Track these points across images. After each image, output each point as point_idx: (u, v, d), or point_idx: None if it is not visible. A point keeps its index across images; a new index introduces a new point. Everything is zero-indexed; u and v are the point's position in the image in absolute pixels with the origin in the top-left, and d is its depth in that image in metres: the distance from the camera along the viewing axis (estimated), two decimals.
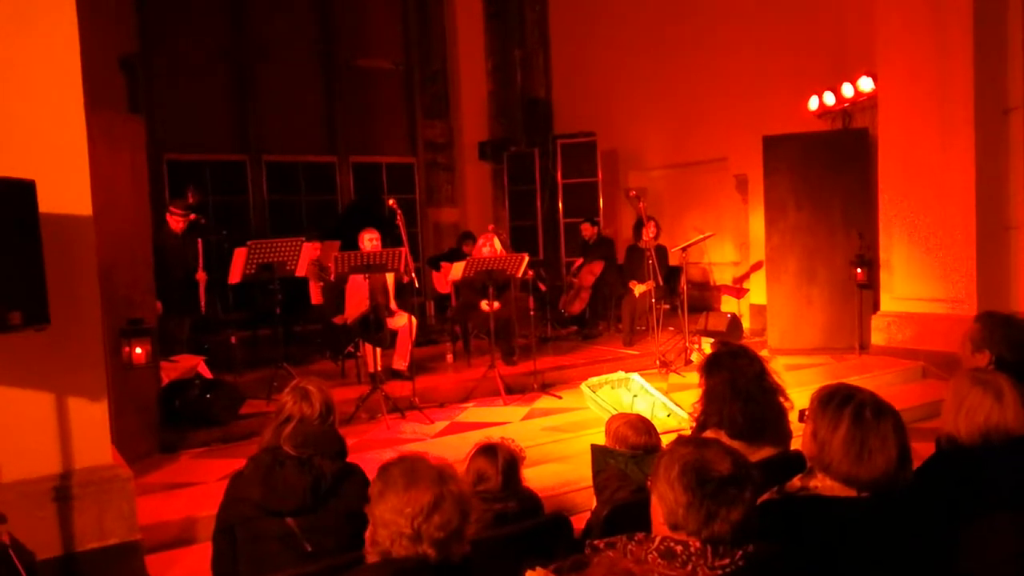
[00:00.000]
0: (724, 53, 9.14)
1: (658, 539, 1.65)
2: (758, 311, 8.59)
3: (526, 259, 6.26)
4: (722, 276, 9.90)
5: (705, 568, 1.58)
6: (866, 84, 7.41)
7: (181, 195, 7.77)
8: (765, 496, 2.12)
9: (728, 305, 9.42)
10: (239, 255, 6.06)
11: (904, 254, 7.07)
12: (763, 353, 3.37)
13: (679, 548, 1.61)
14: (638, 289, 7.81)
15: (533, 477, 4.78)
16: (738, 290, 9.24)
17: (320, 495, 2.35)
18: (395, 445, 5.08)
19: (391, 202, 6.07)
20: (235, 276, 6.08)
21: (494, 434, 5.12)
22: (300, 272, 6.36)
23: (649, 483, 1.74)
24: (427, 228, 11.23)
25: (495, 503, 2.50)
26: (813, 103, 8.02)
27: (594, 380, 5.56)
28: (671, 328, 8.07)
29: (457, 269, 6.34)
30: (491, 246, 6.98)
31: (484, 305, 6.67)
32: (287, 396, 2.60)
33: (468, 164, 11.31)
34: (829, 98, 7.85)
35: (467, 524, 1.76)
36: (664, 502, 1.66)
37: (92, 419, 3.44)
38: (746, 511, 1.61)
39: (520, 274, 6.37)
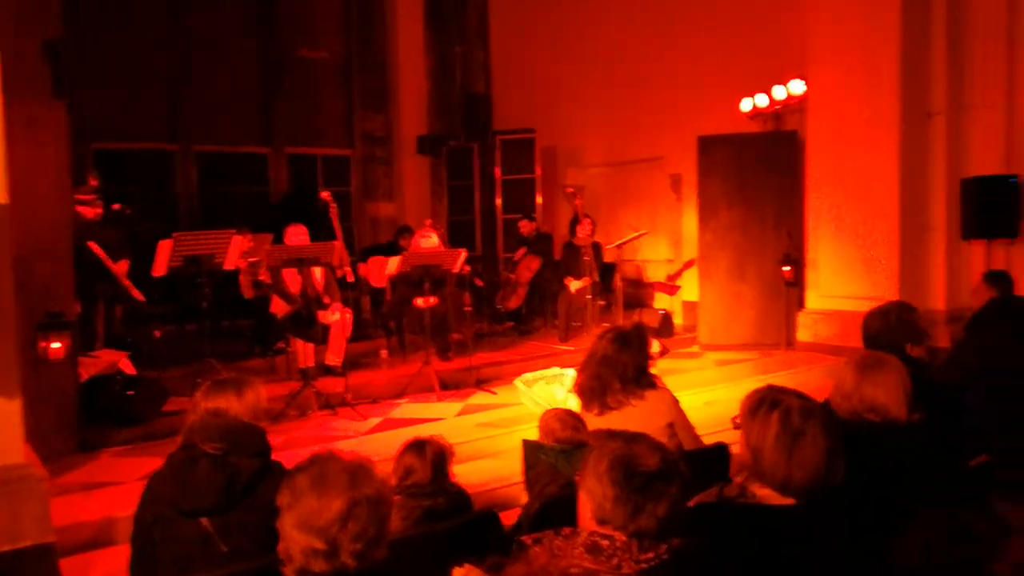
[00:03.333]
0: (662, 54, 9.26)
1: (585, 533, 1.64)
2: (690, 308, 8.73)
3: (463, 254, 6.22)
4: (656, 273, 10.04)
5: (630, 562, 1.58)
6: (797, 87, 7.60)
7: (82, 180, 7.44)
8: (703, 497, 2.14)
9: (661, 302, 9.55)
10: (163, 247, 5.86)
11: (830, 253, 7.27)
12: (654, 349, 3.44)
13: (605, 542, 1.60)
14: (574, 285, 7.85)
15: (466, 473, 4.77)
16: (671, 287, 9.38)
17: (235, 494, 2.26)
18: (325, 443, 4.99)
19: (324, 195, 5.96)
20: (159, 268, 5.88)
21: (427, 430, 5.14)
22: (229, 266, 6.17)
23: (578, 478, 1.73)
24: (364, 222, 11.07)
25: (423, 499, 2.46)
26: (746, 105, 8.19)
27: (528, 376, 5.57)
28: (606, 324, 8.13)
29: (393, 263, 6.27)
30: (428, 241, 6.92)
31: (420, 300, 6.61)
32: (206, 390, 2.50)
33: (406, 158, 11.20)
34: (762, 100, 8.02)
35: (386, 527, 1.70)
36: (592, 496, 1.65)
37: (3, 416, 3.28)
38: (672, 506, 1.62)
39: (457, 269, 6.33)
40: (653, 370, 3.50)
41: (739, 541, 1.92)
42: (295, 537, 1.64)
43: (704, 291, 7.97)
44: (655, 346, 7.42)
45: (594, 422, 3.09)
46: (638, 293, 9.91)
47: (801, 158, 7.50)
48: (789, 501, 1.93)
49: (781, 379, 6.14)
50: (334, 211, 5.84)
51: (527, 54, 11.03)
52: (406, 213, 10.89)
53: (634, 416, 3.13)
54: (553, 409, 3.12)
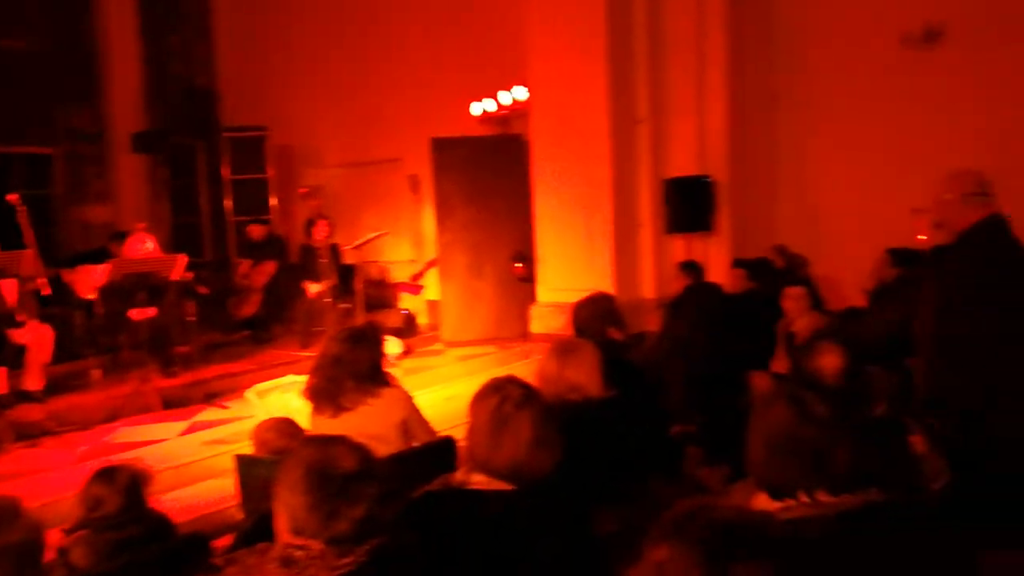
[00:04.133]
0: (399, 56, 9.31)
1: (278, 547, 1.57)
2: (435, 307, 8.86)
3: (183, 260, 5.78)
4: (400, 274, 10.07)
5: (326, 570, 1.53)
6: (520, 93, 7.98)
7: None
8: (429, 487, 2.14)
9: (407, 302, 9.60)
10: None
11: (557, 249, 7.71)
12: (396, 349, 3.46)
13: (300, 553, 1.54)
14: (313, 289, 7.62)
15: (193, 495, 4.47)
16: (415, 287, 9.46)
17: None
18: (26, 478, 4.41)
19: (11, 197, 5.23)
20: None
21: (147, 454, 4.71)
22: None
23: (274, 489, 1.65)
24: (73, 228, 9.91)
25: (113, 531, 2.23)
26: (476, 109, 8.47)
27: (262, 386, 5.31)
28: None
29: (102, 272, 5.66)
30: (143, 246, 6.33)
31: (135, 312, 6.02)
32: None
33: (121, 156, 10.18)
34: (491, 105, 8.34)
35: (36, 572, 1.49)
36: (287, 507, 1.58)
37: None
38: (370, 507, 1.59)
39: (177, 277, 5.86)
40: (396, 370, 3.49)
41: (456, 528, 1.95)
42: None
43: (445, 290, 8.13)
44: (398, 346, 7.42)
45: (328, 425, 3.02)
46: (383, 294, 9.87)
47: (527, 159, 7.89)
48: (505, 487, 1.99)
49: (518, 369, 6.40)
50: (23, 215, 5.14)
51: (258, 48, 10.55)
52: (123, 217, 9.91)
53: (370, 415, 3.11)
54: (269, 420, 2.99)
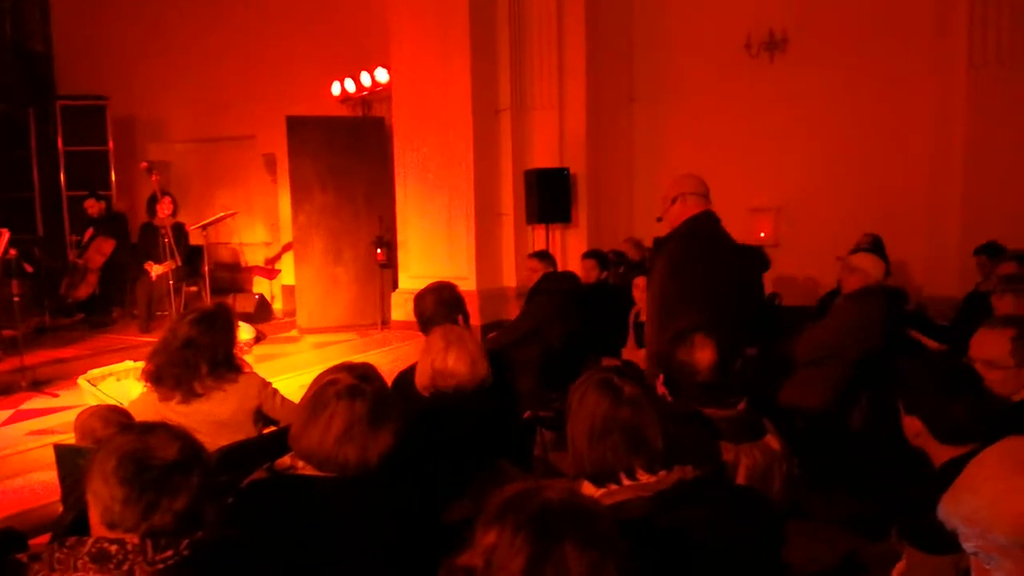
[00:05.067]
0: (252, 31, 8.93)
1: (91, 541, 1.46)
2: (290, 291, 8.59)
3: (5, 235, 5.30)
4: (254, 257, 9.69)
5: (144, 565, 1.44)
6: (382, 75, 7.84)
7: None
8: (255, 475, 2.06)
9: (260, 286, 9.26)
10: None
11: (419, 236, 7.66)
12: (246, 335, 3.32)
13: (114, 548, 1.44)
14: (155, 270, 7.19)
15: (13, 489, 4.13)
16: (270, 271, 9.14)
17: None
18: None
19: None
20: None
21: None
22: None
23: (85, 481, 1.53)
24: None
25: None
26: (336, 89, 8.25)
27: (95, 372, 4.94)
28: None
29: None
30: None
31: None
32: None
33: None
34: (350, 85, 8.15)
35: None
36: (99, 499, 1.48)
37: None
38: (192, 498, 1.51)
39: (0, 254, 5.38)
40: (248, 357, 3.32)
41: (285, 512, 1.89)
42: None
43: (301, 274, 7.88)
44: (249, 332, 7.15)
45: (177, 411, 2.85)
46: (235, 277, 9.47)
47: (389, 144, 7.77)
48: (329, 473, 1.94)
49: (375, 357, 6.34)
50: None
51: (99, 11, 9.80)
52: None
53: (224, 401, 2.97)
54: (94, 407, 2.78)
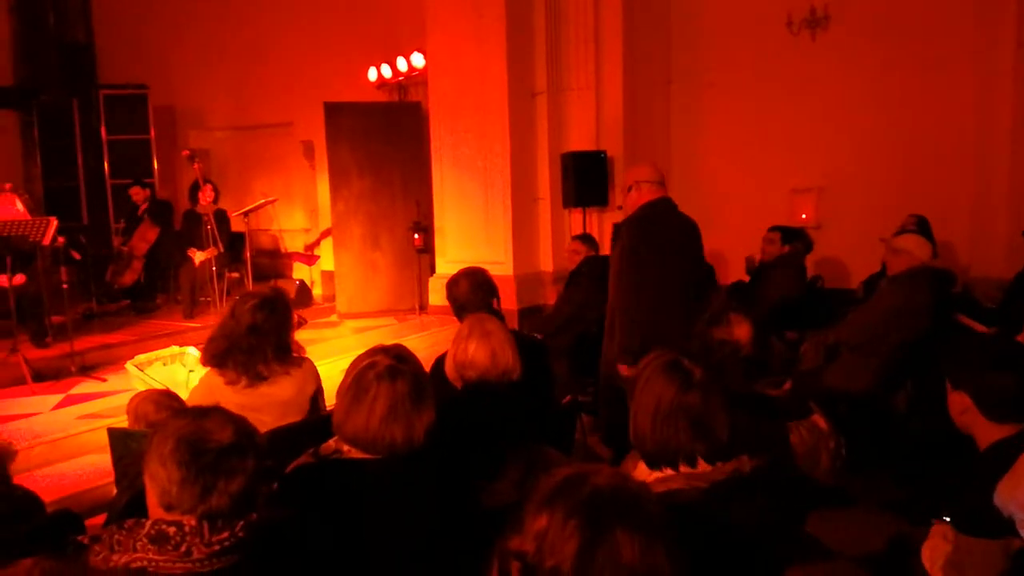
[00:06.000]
0: (288, 18, 8.98)
1: (149, 523, 1.49)
2: (330, 277, 8.67)
3: (54, 223, 5.42)
4: (293, 243, 9.80)
5: (201, 546, 1.47)
6: (418, 60, 7.84)
7: None
8: (300, 460, 2.10)
9: (300, 272, 9.36)
10: None
11: (455, 221, 7.67)
12: None
13: (172, 530, 1.47)
14: (198, 257, 7.31)
15: (65, 472, 4.25)
16: (309, 257, 9.22)
17: None
18: None
19: None
20: None
21: (15, 429, 4.44)
22: None
23: (143, 463, 1.57)
24: None
25: None
26: (372, 74, 8.27)
27: (142, 357, 5.07)
28: (237, 297, 7.75)
29: None
30: (11, 208, 5.90)
31: (2, 279, 5.63)
32: None
33: None
34: (387, 70, 8.16)
35: None
36: (156, 482, 1.52)
37: None
38: (247, 481, 1.54)
39: (48, 241, 5.50)
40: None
41: (331, 495, 1.92)
42: None
43: (340, 260, 7.95)
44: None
45: (244, 394, 2.92)
46: (275, 263, 9.60)
47: (425, 129, 7.78)
48: (372, 456, 1.97)
49: (414, 342, 6.38)
50: None
51: (138, 3, 9.93)
52: None
53: (287, 386, 3.03)
54: (146, 391, 2.85)
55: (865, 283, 5.99)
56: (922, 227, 5.65)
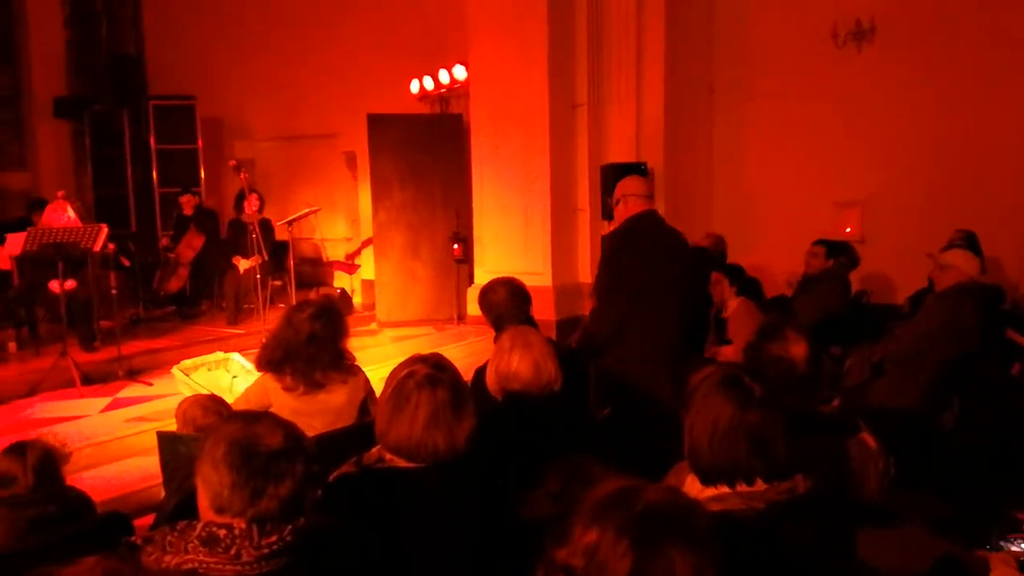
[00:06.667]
0: (333, 29, 9.11)
1: (200, 525, 1.53)
2: (370, 286, 8.76)
3: (104, 230, 5.56)
4: (335, 252, 9.92)
5: (250, 549, 1.50)
6: (460, 72, 7.91)
7: None
8: (344, 468, 2.13)
9: (341, 281, 9.46)
10: None
11: (494, 232, 7.70)
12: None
13: (222, 532, 1.50)
14: (243, 265, 7.44)
15: (113, 474, 4.34)
16: (350, 266, 9.32)
17: None
18: None
19: None
20: None
21: (65, 431, 4.54)
22: None
23: (195, 466, 1.61)
24: None
25: (27, 509, 2.14)
26: (415, 86, 8.36)
27: (188, 363, 5.16)
28: (281, 305, 7.87)
29: (17, 241, 5.42)
30: (63, 215, 6.07)
31: (54, 284, 5.79)
32: None
33: (41, 122, 9.74)
34: (429, 82, 8.24)
35: None
36: (208, 485, 1.55)
37: None
38: (296, 485, 1.56)
39: (99, 248, 5.65)
40: None
41: (375, 504, 1.94)
42: None
43: (380, 269, 8.03)
44: None
45: (301, 400, 2.99)
46: (317, 272, 9.71)
47: (466, 140, 7.84)
48: (418, 464, 1.98)
49: (452, 351, 6.41)
50: None
51: (186, 17, 10.18)
52: (43, 184, 9.51)
53: (341, 393, 3.11)
54: (194, 396, 2.91)
55: (912, 298, 5.88)
56: (970, 242, 5.54)
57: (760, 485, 1.76)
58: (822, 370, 2.68)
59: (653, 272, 3.74)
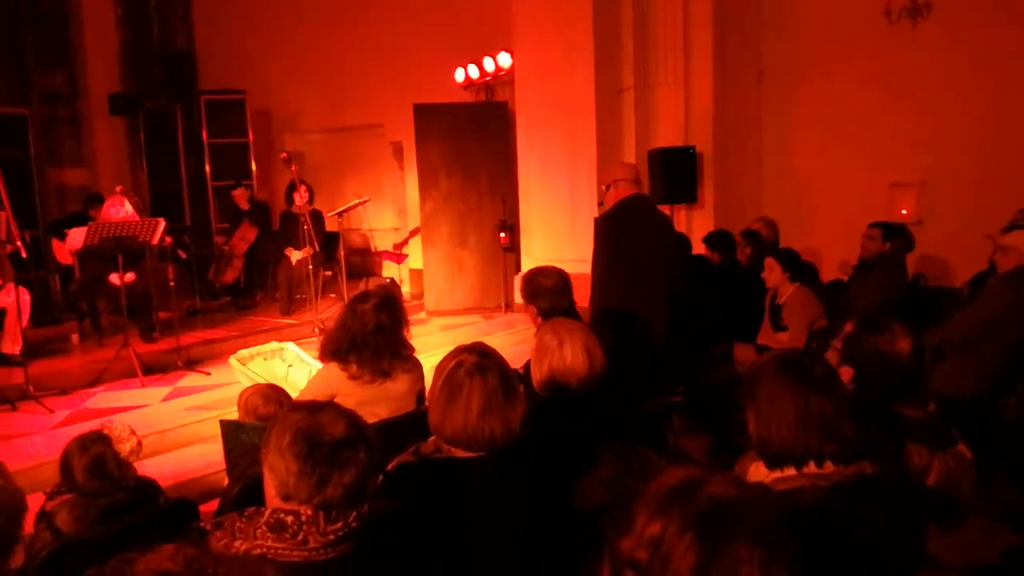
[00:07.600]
0: (377, 20, 9.16)
1: (268, 512, 1.57)
2: (418, 275, 8.83)
3: (162, 224, 5.71)
4: (383, 242, 10.02)
5: (317, 535, 1.54)
6: (505, 60, 7.89)
7: None
8: (401, 458, 2.15)
9: (389, 270, 9.56)
10: None
11: (541, 219, 7.70)
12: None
13: (290, 519, 1.54)
14: (295, 256, 7.57)
15: (174, 461, 4.47)
16: (398, 255, 9.42)
17: None
18: (5, 442, 4.39)
19: None
20: None
21: (128, 420, 4.69)
22: None
23: (261, 455, 1.65)
24: (48, 191, 9.74)
25: (98, 497, 2.22)
26: (460, 75, 8.37)
27: (244, 352, 5.25)
28: (332, 295, 7.99)
29: (78, 236, 5.59)
30: (121, 210, 6.24)
31: (115, 277, 5.96)
32: None
33: (98, 119, 10.00)
34: (474, 71, 8.25)
35: (16, 529, 1.49)
36: (275, 473, 1.58)
37: None
38: (360, 473, 1.59)
39: (156, 241, 5.80)
40: None
41: (433, 494, 1.96)
42: None
43: (428, 258, 8.09)
44: None
45: (363, 390, 3.05)
46: (366, 262, 9.83)
47: (512, 128, 7.83)
48: (476, 453, 2.00)
49: (500, 340, 6.44)
50: None
51: (235, 11, 10.32)
52: (100, 180, 9.76)
53: (404, 380, 3.18)
54: (254, 385, 2.98)
55: (971, 282, 5.70)
56: None
57: (828, 467, 1.75)
58: (924, 370, 2.59)
59: (645, 251, 4.16)
